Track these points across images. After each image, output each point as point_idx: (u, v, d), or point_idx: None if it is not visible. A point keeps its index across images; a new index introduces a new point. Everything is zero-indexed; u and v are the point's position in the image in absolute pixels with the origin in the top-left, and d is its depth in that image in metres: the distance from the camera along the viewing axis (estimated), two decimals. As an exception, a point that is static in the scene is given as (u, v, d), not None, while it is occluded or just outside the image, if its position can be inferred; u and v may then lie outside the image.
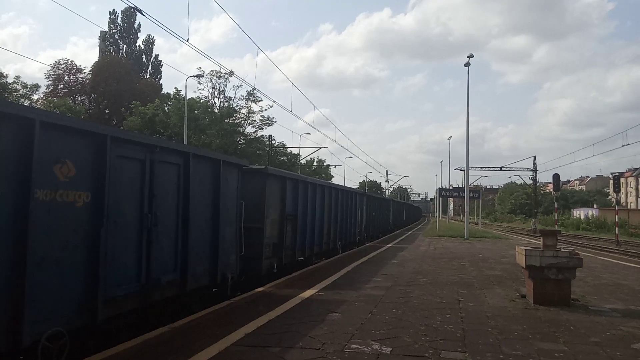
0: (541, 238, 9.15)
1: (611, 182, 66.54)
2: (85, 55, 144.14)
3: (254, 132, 54.02)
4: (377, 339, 6.18)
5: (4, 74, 46.30)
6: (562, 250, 8.86)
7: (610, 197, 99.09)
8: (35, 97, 50.55)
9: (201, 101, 50.43)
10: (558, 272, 8.57)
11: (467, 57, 30.36)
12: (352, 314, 7.72)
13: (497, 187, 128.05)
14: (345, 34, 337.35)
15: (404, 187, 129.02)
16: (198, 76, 46.79)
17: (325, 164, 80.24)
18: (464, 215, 36.27)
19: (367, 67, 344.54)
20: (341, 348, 5.80)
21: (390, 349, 5.78)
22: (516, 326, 7.06)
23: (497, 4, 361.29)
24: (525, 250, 8.85)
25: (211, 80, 50.77)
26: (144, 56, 72.87)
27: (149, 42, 72.84)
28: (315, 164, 77.97)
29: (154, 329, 6.69)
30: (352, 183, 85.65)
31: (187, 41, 15.49)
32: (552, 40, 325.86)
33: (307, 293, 9.44)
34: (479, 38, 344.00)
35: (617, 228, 35.77)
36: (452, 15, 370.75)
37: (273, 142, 56.37)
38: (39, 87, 52.22)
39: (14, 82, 47.80)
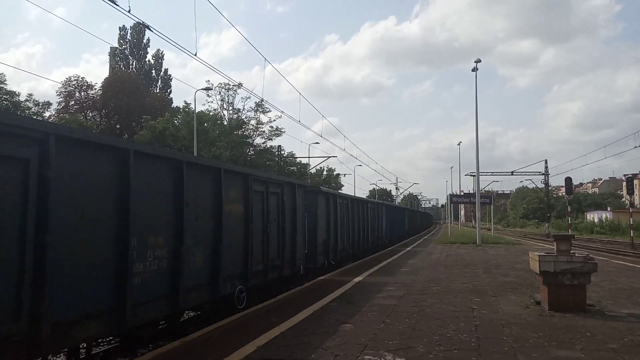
0: (555, 243, 9.05)
1: (624, 184, 65.73)
2: (98, 71, 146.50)
3: (263, 143, 54.41)
4: (391, 350, 6.13)
5: (17, 92, 47.09)
6: (577, 255, 8.74)
7: (623, 199, 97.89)
8: (47, 114, 51.31)
9: (210, 114, 50.86)
10: (573, 277, 8.46)
11: (475, 62, 30.32)
12: (365, 324, 7.67)
13: (509, 192, 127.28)
14: (351, 43, 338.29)
15: (414, 194, 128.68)
16: (207, 89, 47.15)
17: (335, 173, 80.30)
18: (475, 221, 35.96)
19: (374, 76, 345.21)
20: (354, 359, 5.75)
21: (404, 360, 5.73)
22: (531, 334, 6.96)
23: (502, 7, 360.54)
24: (539, 255, 8.75)
25: (220, 92, 51.30)
26: (153, 71, 73.77)
27: (159, 56, 73.78)
28: (325, 173, 78.01)
29: (168, 343, 6.69)
30: (362, 191, 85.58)
31: (195, 55, 15.61)
32: (558, 43, 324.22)
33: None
34: (486, 43, 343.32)
35: (631, 230, 35.28)
36: (457, 21, 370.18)
37: (282, 152, 56.56)
38: (51, 104, 53.12)
39: (27, 100, 48.61)
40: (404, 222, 42.46)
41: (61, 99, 58.50)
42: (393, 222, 33.86)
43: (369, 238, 24.28)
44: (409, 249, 27.05)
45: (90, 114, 61.54)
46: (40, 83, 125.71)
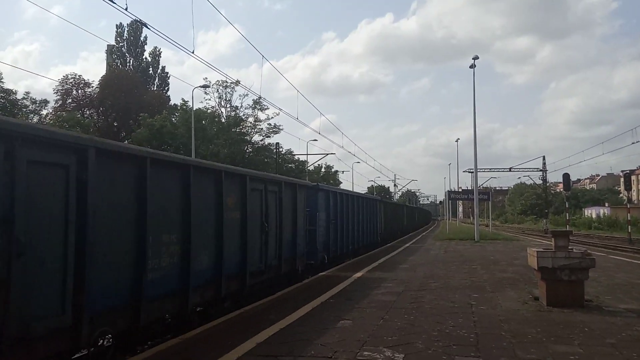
0: (553, 239, 9.07)
1: (622, 180, 65.95)
2: (95, 69, 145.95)
3: (261, 140, 54.28)
4: (390, 346, 6.14)
5: (14, 90, 46.93)
6: (574, 250, 8.76)
7: (621, 195, 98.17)
8: (44, 112, 51.16)
9: (208, 111, 50.75)
10: (571, 273, 8.48)
11: (473, 58, 30.36)
12: (364, 320, 7.68)
13: (507, 188, 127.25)
14: (348, 41, 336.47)
15: (412, 190, 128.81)
16: (204, 87, 47.01)
17: (333, 170, 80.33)
18: (474, 218, 35.98)
19: (371, 73, 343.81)
20: (353, 356, 5.76)
21: (403, 356, 5.73)
22: (530, 329, 6.98)
23: (499, 5, 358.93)
24: (537, 251, 8.77)
25: (217, 90, 51.21)
26: (151, 68, 73.39)
27: (156, 54, 73.34)
28: (323, 170, 78.03)
29: (165, 341, 6.70)
30: (361, 188, 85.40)
31: (193, 53, 15.63)
32: (555, 40, 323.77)
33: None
34: (483, 40, 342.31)
35: (629, 226, 35.38)
36: (454, 18, 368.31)
37: (280, 149, 56.49)
38: (48, 102, 52.95)
39: (24, 98, 48.46)
40: (375, 222, 26.47)
41: (58, 97, 58.26)
42: (347, 222, 19.44)
43: (256, 265, 10.21)
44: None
45: (88, 112, 61.29)
46: (37, 81, 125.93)
